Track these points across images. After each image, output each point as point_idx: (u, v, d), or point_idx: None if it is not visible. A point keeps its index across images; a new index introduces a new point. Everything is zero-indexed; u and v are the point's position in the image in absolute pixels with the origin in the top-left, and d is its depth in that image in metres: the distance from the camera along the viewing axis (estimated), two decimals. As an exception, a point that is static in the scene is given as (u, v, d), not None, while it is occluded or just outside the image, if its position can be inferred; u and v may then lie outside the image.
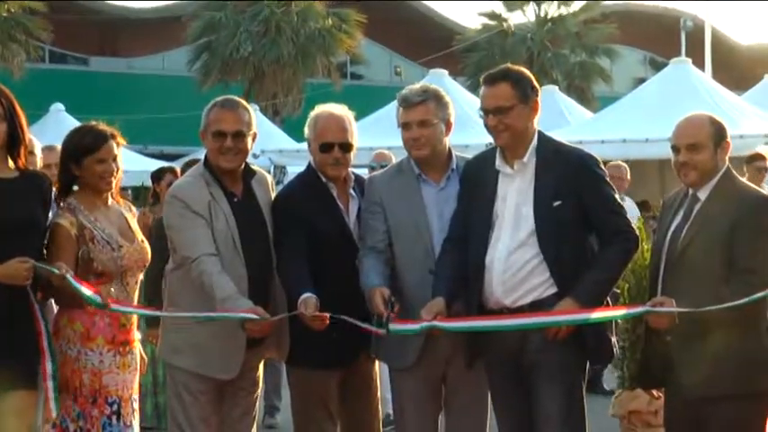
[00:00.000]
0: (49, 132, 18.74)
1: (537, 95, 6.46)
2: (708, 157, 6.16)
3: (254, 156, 19.68)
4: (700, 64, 28.79)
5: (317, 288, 6.45)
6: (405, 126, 6.65)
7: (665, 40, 42.49)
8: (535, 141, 6.38)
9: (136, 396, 6.78)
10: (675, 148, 6.25)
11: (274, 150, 24.10)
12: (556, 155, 6.39)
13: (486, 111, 6.33)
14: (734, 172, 6.29)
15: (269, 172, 12.41)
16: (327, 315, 6.24)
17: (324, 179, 6.91)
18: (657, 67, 36.10)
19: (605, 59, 42.79)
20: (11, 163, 6.29)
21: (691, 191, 6.25)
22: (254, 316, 6.18)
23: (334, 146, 6.82)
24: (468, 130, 20.91)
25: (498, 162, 6.43)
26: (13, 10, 35.76)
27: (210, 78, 39.38)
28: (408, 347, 6.52)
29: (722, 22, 51.00)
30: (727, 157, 6.26)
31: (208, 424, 6.62)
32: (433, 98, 6.66)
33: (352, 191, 7.00)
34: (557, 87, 26.63)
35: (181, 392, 6.63)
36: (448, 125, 6.70)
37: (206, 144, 6.66)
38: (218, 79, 39.08)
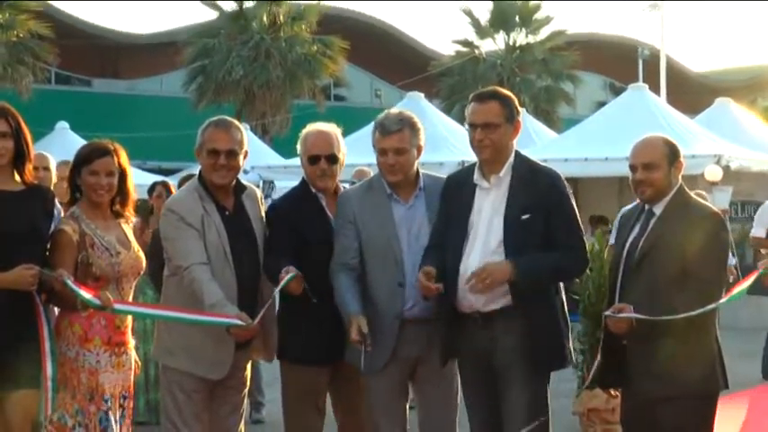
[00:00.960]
0: (54, 149, 18.65)
1: (519, 117, 6.49)
2: (662, 175, 6.21)
3: (245, 171, 19.65)
4: (655, 89, 28.90)
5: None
6: (381, 152, 6.66)
7: (623, 67, 42.62)
8: (512, 159, 6.39)
9: (127, 394, 6.70)
10: (633, 167, 6.30)
11: (263, 166, 24.17)
12: (530, 173, 6.40)
13: (474, 125, 6.35)
14: (686, 189, 6.33)
15: (258, 186, 12.45)
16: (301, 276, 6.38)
17: (314, 190, 6.96)
18: (617, 91, 36.21)
19: (569, 84, 42.85)
20: (17, 177, 6.30)
21: (647, 206, 6.29)
22: (240, 322, 6.19)
23: (320, 158, 6.90)
24: (442, 149, 21.01)
25: (476, 176, 6.45)
26: (21, 35, 35.69)
27: (205, 99, 39.31)
28: (378, 355, 6.52)
29: (676, 52, 51.22)
30: (680, 176, 6.30)
31: (200, 421, 6.61)
32: (408, 126, 6.66)
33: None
34: (524, 110, 26.56)
35: (174, 391, 6.61)
36: (419, 150, 6.71)
37: (201, 161, 6.65)
38: (211, 100, 39.01)
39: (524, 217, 6.25)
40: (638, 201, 6.47)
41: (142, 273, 6.83)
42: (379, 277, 6.63)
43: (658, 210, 6.22)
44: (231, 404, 6.76)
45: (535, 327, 6.27)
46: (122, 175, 6.48)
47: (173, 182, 11.42)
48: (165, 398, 6.72)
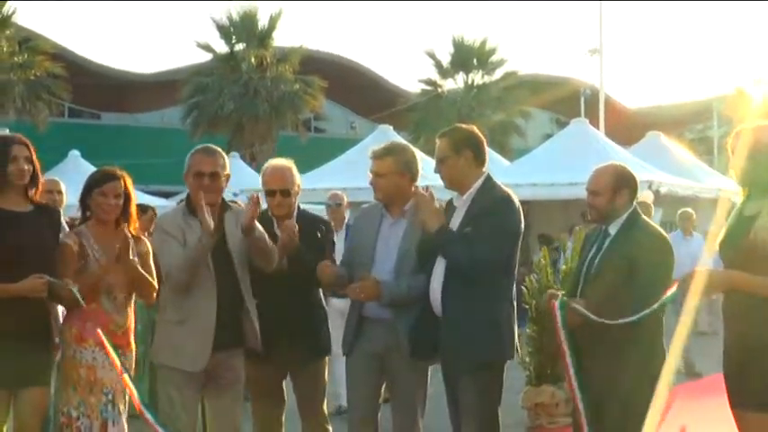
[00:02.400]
0: (67, 175, 18.62)
1: (471, 150, 6.47)
2: (605, 201, 6.26)
3: (235, 194, 19.65)
4: (595, 124, 28.99)
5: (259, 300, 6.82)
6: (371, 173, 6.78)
7: (568, 104, 42.77)
8: (478, 183, 6.43)
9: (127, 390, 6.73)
10: (587, 193, 6.40)
11: (251, 189, 24.03)
12: (485, 194, 6.41)
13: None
14: (640, 212, 6.36)
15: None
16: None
17: (270, 215, 7.19)
18: (562, 125, 36.34)
19: (520, 119, 42.92)
20: (28, 198, 6.39)
21: (604, 227, 6.35)
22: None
23: (275, 192, 7.13)
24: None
25: (455, 198, 6.57)
26: (38, 74, 35.63)
27: (200, 131, 39.23)
28: (344, 343, 6.82)
29: (614, 90, 51.52)
30: (632, 200, 6.31)
31: (190, 413, 6.60)
32: (392, 154, 6.74)
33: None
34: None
35: (166, 386, 6.61)
36: (404, 175, 6.70)
37: (188, 183, 6.64)
38: (206, 131, 38.90)
39: (466, 229, 6.32)
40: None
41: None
42: (356, 277, 6.70)
43: (613, 230, 6.26)
44: (229, 396, 6.70)
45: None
46: (127, 198, 6.58)
47: (172, 203, 11.46)
48: (160, 392, 6.72)
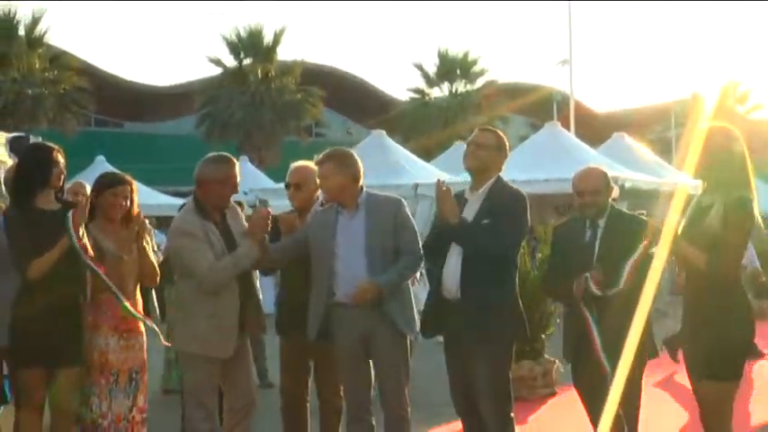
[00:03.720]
0: (93, 178, 18.66)
1: (504, 153, 6.65)
2: (604, 199, 6.48)
3: (245, 193, 19.66)
4: (566, 126, 28.99)
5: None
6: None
7: (541, 108, 42.68)
8: (492, 180, 6.49)
9: (138, 369, 6.73)
10: (581, 193, 6.50)
11: (259, 189, 24.06)
12: (500, 190, 6.48)
13: (471, 143, 6.68)
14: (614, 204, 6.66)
15: (255, 205, 12.42)
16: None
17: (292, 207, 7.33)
18: (536, 128, 36.28)
19: (499, 123, 42.88)
20: (57, 198, 6.46)
21: (589, 220, 6.48)
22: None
23: (290, 185, 7.30)
24: (399, 175, 20.96)
25: (467, 192, 6.60)
26: (67, 88, 35.68)
27: (212, 137, 39.24)
28: (311, 327, 6.70)
29: (583, 96, 51.62)
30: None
31: (216, 393, 6.57)
32: (331, 159, 6.70)
33: (308, 217, 7.11)
34: (464, 143, 26.61)
35: (192, 371, 6.52)
36: (348, 177, 6.64)
37: (210, 190, 6.50)
38: (217, 138, 38.93)
39: (484, 221, 6.36)
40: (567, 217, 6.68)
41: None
42: (316, 268, 6.66)
43: (602, 222, 6.38)
44: (244, 370, 6.70)
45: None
46: (131, 203, 6.65)
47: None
48: (185, 377, 6.67)
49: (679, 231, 5.52)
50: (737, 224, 5.31)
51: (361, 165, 6.71)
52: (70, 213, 6.26)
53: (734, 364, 5.39)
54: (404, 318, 6.60)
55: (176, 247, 6.51)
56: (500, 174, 6.58)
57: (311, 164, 7.10)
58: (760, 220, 5.44)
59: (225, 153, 6.74)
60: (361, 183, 6.64)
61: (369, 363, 6.79)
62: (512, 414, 6.52)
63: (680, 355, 6.10)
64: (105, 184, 6.66)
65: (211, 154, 6.73)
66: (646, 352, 6.22)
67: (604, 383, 6.00)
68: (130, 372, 6.69)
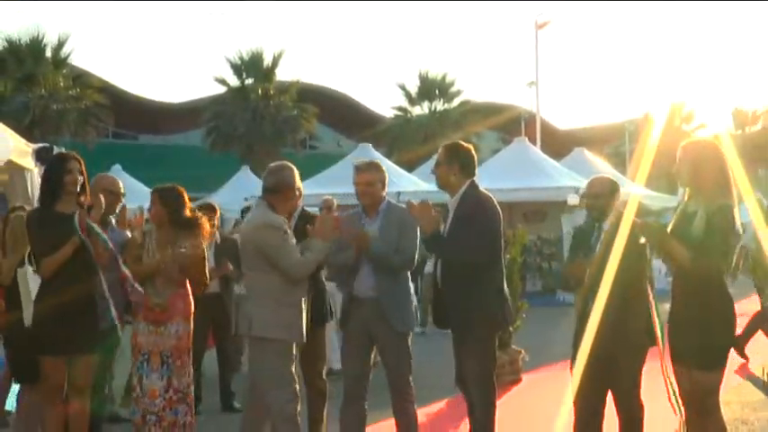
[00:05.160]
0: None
1: (458, 161, 6.52)
2: (602, 201, 6.44)
3: (246, 199, 19.60)
4: (533, 141, 29.07)
5: None
6: (356, 184, 6.75)
7: (511, 125, 42.80)
8: (463, 189, 6.45)
9: (170, 354, 6.81)
10: (585, 196, 6.64)
11: (259, 195, 24.00)
12: (468, 198, 6.44)
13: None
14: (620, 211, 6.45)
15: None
16: None
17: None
18: (507, 142, 36.39)
19: (474, 138, 42.85)
20: (77, 203, 6.40)
21: (597, 224, 6.46)
22: None
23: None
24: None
25: (448, 201, 6.58)
26: (88, 104, 35.64)
27: (217, 149, 39.22)
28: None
29: (547, 114, 51.78)
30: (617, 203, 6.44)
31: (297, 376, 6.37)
32: (375, 168, 6.78)
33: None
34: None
35: (276, 357, 6.18)
36: (383, 185, 6.77)
37: (286, 196, 6.39)
38: (222, 150, 38.91)
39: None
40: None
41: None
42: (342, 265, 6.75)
43: (605, 225, 6.29)
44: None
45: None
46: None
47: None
48: (264, 363, 6.21)
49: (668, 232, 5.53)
50: (719, 228, 5.31)
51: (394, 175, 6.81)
52: (76, 214, 6.25)
53: (718, 356, 5.37)
54: (400, 317, 6.59)
55: (264, 239, 6.16)
56: (473, 179, 6.52)
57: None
58: (740, 226, 5.44)
59: (291, 164, 6.59)
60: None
61: (371, 353, 6.81)
62: (490, 396, 6.46)
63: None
64: (184, 199, 7.07)
65: (279, 163, 6.59)
66: (646, 341, 6.09)
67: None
68: (161, 355, 6.78)
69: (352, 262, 6.62)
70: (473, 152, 6.63)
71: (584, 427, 6.17)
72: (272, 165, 6.56)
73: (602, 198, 6.43)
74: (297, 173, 6.48)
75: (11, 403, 8.27)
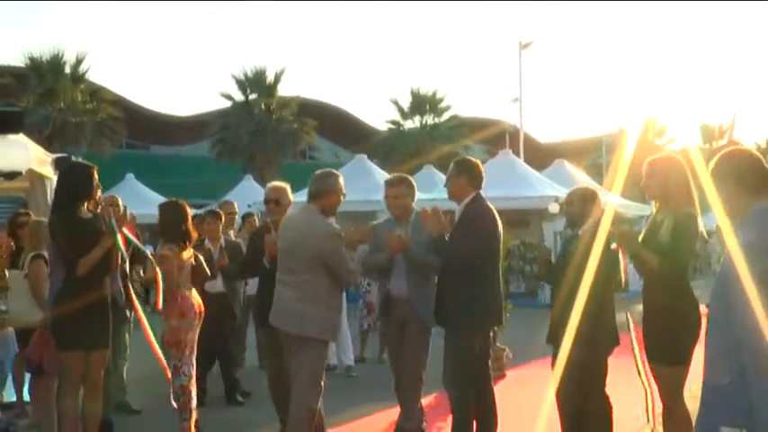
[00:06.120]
0: (125, 191, 18.61)
1: (466, 174, 6.59)
2: (574, 209, 6.45)
3: (249, 206, 19.56)
4: (517, 154, 29.14)
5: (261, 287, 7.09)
6: (386, 197, 6.97)
7: (496, 139, 42.77)
8: (468, 199, 6.53)
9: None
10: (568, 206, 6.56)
11: (261, 202, 24.04)
12: (470, 207, 6.52)
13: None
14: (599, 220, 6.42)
15: (259, 218, 12.34)
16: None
17: (268, 220, 7.39)
18: (492, 154, 36.50)
19: (462, 150, 42.91)
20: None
21: (572, 230, 6.52)
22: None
23: (270, 201, 7.33)
24: (378, 192, 21.03)
25: (456, 209, 6.65)
26: (103, 117, 35.68)
27: (223, 159, 39.21)
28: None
29: (530, 129, 51.69)
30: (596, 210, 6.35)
31: None
32: (405, 183, 6.97)
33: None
34: (432, 166, 26.68)
35: (320, 356, 6.18)
36: (412, 198, 6.97)
37: (332, 200, 6.32)
38: (227, 159, 38.91)
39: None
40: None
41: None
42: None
43: (580, 232, 6.27)
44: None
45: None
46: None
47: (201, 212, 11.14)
48: (308, 362, 6.09)
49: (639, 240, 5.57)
50: (684, 235, 5.40)
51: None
52: (114, 219, 6.30)
53: (682, 352, 5.39)
54: (429, 314, 6.63)
55: (331, 248, 6.08)
56: (479, 192, 6.57)
57: (284, 184, 7.36)
58: (704, 232, 5.54)
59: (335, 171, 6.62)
60: (423, 207, 6.80)
61: (401, 343, 6.86)
62: (464, 395, 6.44)
63: None
64: (187, 214, 7.21)
65: (326, 170, 6.56)
66: (607, 342, 6.07)
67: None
68: (193, 346, 7.01)
69: (386, 263, 6.75)
70: (481, 167, 6.69)
71: (573, 425, 6.18)
72: (318, 172, 6.51)
73: (575, 206, 6.45)
74: (342, 178, 6.52)
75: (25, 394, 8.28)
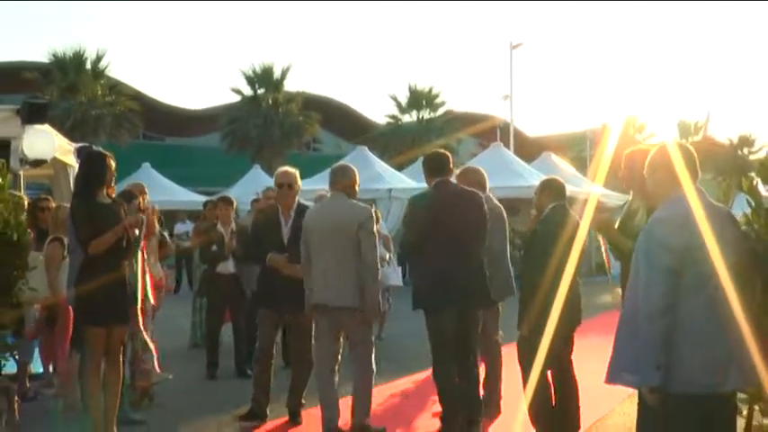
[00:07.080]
0: (141, 180, 18.53)
1: (426, 167, 6.78)
2: (536, 198, 6.51)
3: (256, 193, 19.52)
4: (507, 146, 29.10)
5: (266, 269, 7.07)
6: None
7: (488, 132, 42.70)
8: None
9: None
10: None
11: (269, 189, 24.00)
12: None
13: None
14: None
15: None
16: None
17: (278, 205, 7.30)
18: (484, 147, 36.39)
19: (455, 143, 42.82)
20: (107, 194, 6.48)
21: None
22: None
23: (283, 185, 7.22)
24: (378, 182, 20.97)
25: None
26: (122, 109, 35.62)
27: (233, 150, 39.11)
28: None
29: (520, 123, 51.60)
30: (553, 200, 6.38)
31: None
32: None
33: (291, 212, 7.09)
34: (428, 158, 26.50)
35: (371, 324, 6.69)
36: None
37: (356, 188, 6.72)
38: (237, 150, 38.82)
39: None
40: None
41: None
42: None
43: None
44: None
45: None
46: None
47: (212, 199, 11.13)
48: (366, 325, 6.62)
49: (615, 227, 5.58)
50: None
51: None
52: (122, 204, 6.45)
53: None
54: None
55: (372, 228, 6.49)
56: (441, 178, 6.61)
57: (295, 170, 7.32)
58: None
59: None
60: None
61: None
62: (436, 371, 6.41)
63: None
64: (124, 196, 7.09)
65: (345, 164, 6.95)
66: (571, 323, 6.13)
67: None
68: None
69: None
70: (440, 159, 6.78)
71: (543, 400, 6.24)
72: (338, 165, 6.90)
73: (535, 196, 6.48)
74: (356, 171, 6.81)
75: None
